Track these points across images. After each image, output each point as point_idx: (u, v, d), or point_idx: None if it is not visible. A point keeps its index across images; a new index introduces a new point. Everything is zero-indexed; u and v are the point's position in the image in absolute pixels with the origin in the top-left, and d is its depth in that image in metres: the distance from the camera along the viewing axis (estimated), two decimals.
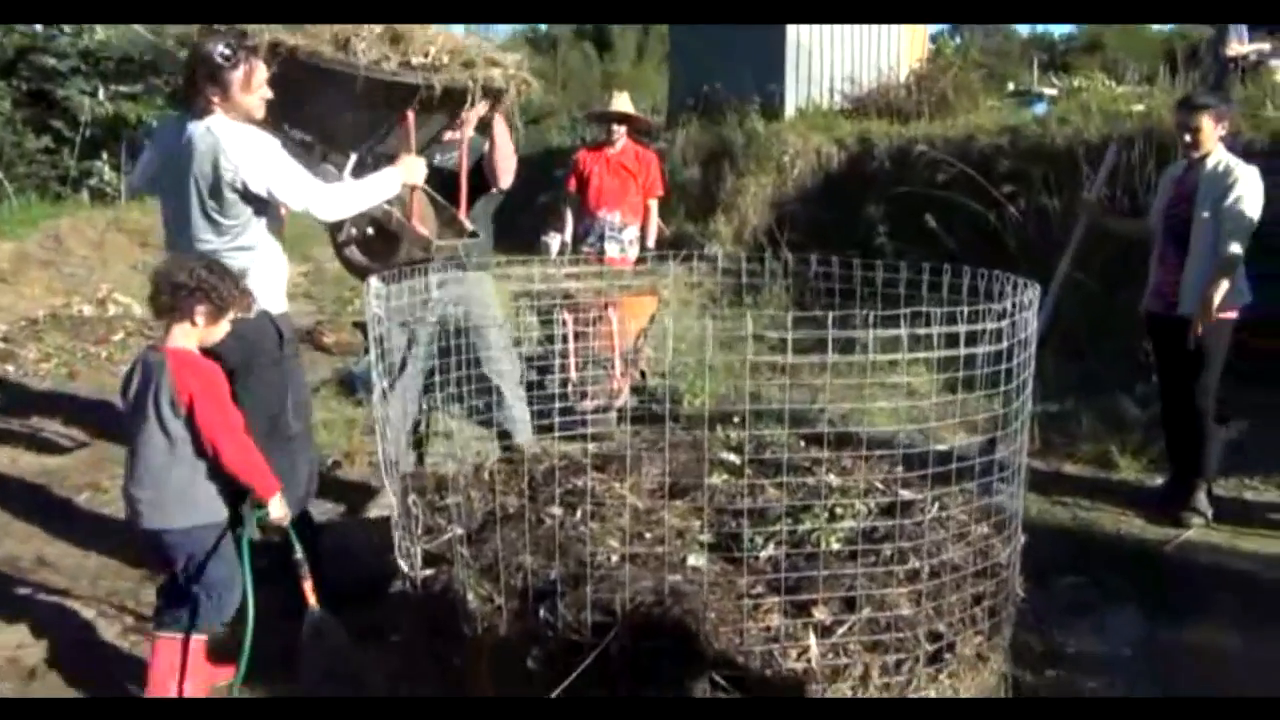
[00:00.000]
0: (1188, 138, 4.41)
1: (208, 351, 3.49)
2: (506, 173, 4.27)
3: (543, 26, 43.68)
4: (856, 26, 11.72)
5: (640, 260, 6.13)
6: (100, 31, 15.05)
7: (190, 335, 3.05)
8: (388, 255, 3.91)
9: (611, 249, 6.08)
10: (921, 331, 2.78)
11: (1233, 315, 4.32)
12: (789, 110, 11.47)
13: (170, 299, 3.01)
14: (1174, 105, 5.02)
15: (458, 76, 3.61)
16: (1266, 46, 8.59)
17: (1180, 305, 4.38)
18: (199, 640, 3.11)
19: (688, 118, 11.63)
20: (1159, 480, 4.88)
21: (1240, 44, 8.52)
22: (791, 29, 11.41)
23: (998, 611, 2.87)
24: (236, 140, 3.30)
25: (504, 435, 4.29)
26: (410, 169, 3.70)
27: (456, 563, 2.83)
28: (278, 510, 3.11)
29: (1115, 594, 3.83)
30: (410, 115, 3.67)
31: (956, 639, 2.73)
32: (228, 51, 3.27)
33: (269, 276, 3.51)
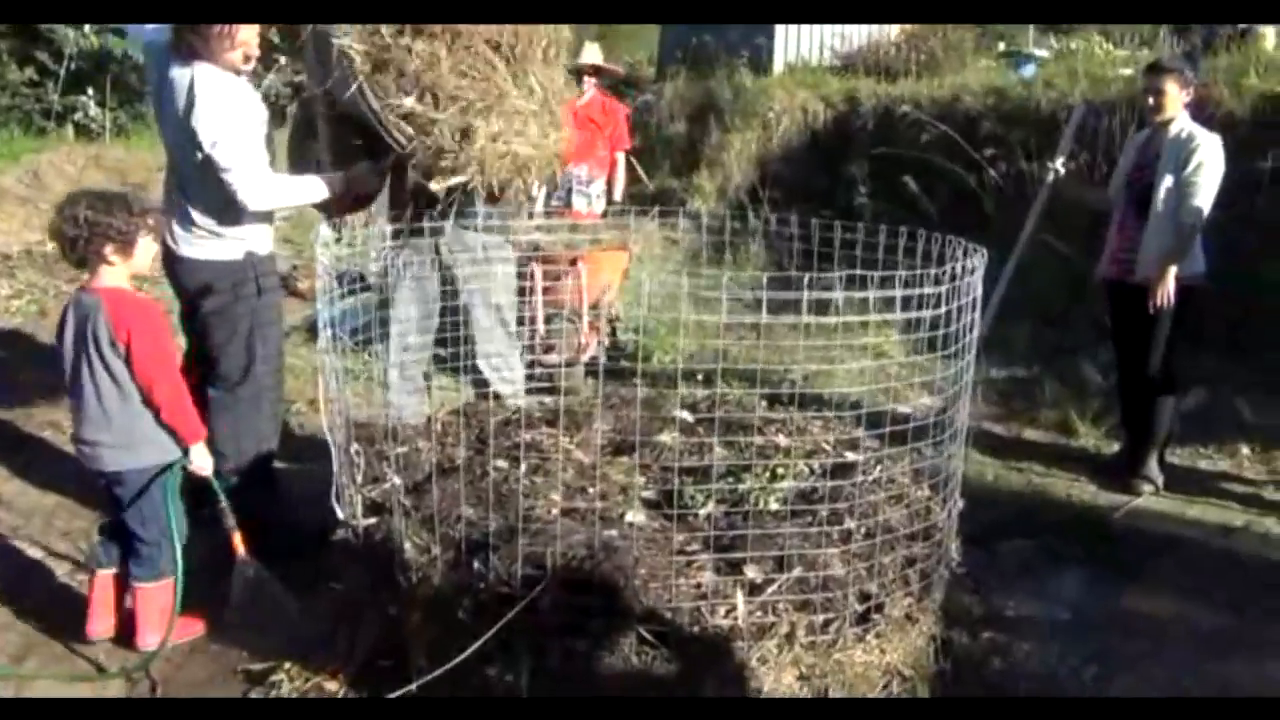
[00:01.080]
0: (1151, 101, 4.41)
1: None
2: None
3: None
4: None
5: (604, 215, 6.12)
6: None
7: (115, 273, 3.03)
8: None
9: (579, 202, 6.06)
10: (858, 295, 2.80)
11: (1188, 283, 4.33)
12: (777, 65, 11.36)
13: (74, 252, 3.00)
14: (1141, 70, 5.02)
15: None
16: None
17: (1138, 271, 4.39)
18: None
19: (676, 70, 11.52)
20: (1116, 447, 4.92)
21: None
22: None
23: (929, 574, 2.91)
24: (207, 88, 3.33)
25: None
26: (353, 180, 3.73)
27: (395, 512, 2.86)
28: (200, 458, 3.12)
29: (1059, 558, 3.88)
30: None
31: (886, 600, 2.77)
32: None
33: (250, 216, 3.55)
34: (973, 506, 3.36)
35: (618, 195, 6.34)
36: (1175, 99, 4.37)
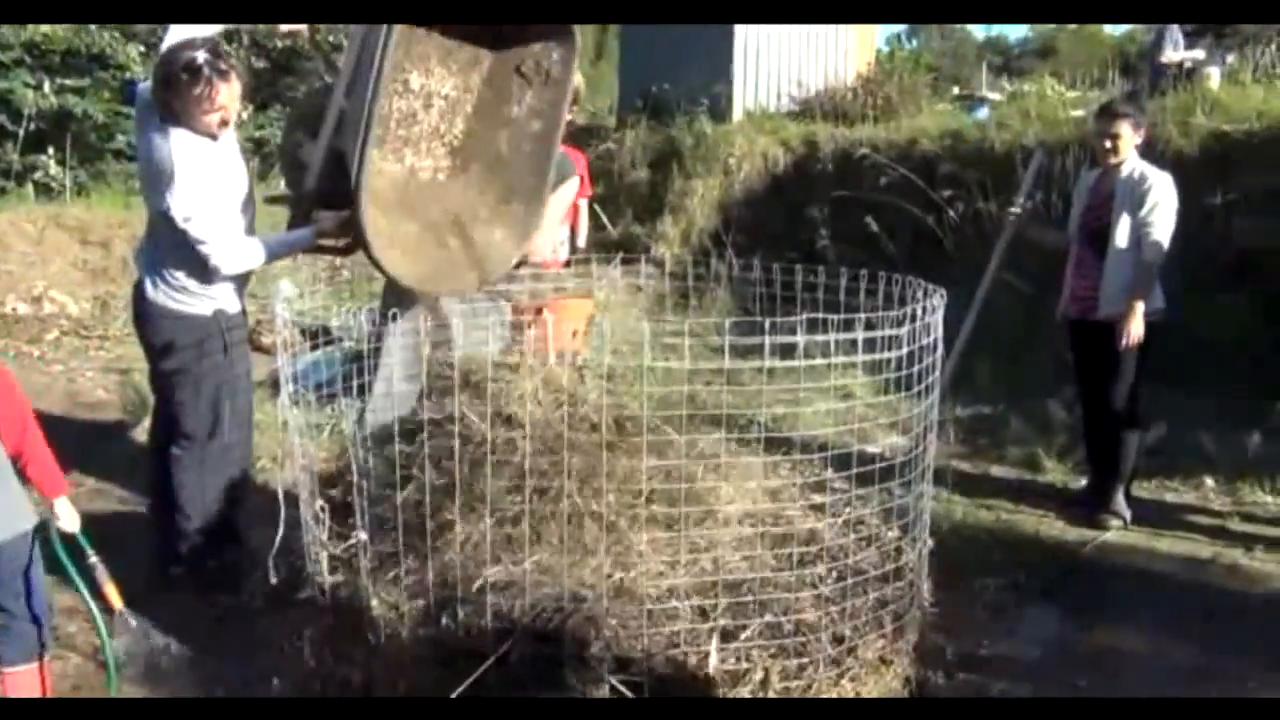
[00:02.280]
0: (1107, 144, 4.47)
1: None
2: None
3: None
4: (804, 29, 11.77)
5: (567, 264, 6.13)
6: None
7: None
8: None
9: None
10: (821, 338, 2.82)
11: (1150, 319, 4.38)
12: (737, 112, 11.48)
13: None
14: (1093, 113, 5.11)
15: None
16: (1201, 54, 8.74)
17: (1100, 309, 4.45)
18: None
19: (636, 119, 11.63)
20: (1083, 482, 4.95)
21: (1175, 51, 8.66)
22: (739, 31, 11.44)
23: (902, 615, 2.91)
24: (184, 159, 3.33)
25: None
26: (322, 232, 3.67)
27: (362, 569, 2.83)
28: (65, 513, 2.87)
29: (1030, 596, 3.88)
30: None
31: (859, 642, 2.77)
32: (190, 66, 3.29)
33: (224, 276, 3.55)
34: (943, 545, 3.36)
35: (581, 242, 6.36)
36: (1129, 141, 4.45)
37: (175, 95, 3.31)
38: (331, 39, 17.02)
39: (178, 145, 3.33)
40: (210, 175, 3.39)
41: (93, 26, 15.27)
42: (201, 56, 3.29)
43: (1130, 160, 4.48)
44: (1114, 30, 36.05)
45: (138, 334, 3.68)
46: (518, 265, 5.76)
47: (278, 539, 2.90)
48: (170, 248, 3.49)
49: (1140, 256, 4.35)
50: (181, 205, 3.32)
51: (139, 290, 3.60)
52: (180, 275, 3.52)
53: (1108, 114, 4.56)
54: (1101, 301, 4.45)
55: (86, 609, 2.90)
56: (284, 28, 4.06)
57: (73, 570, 2.85)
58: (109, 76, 15.07)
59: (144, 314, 3.61)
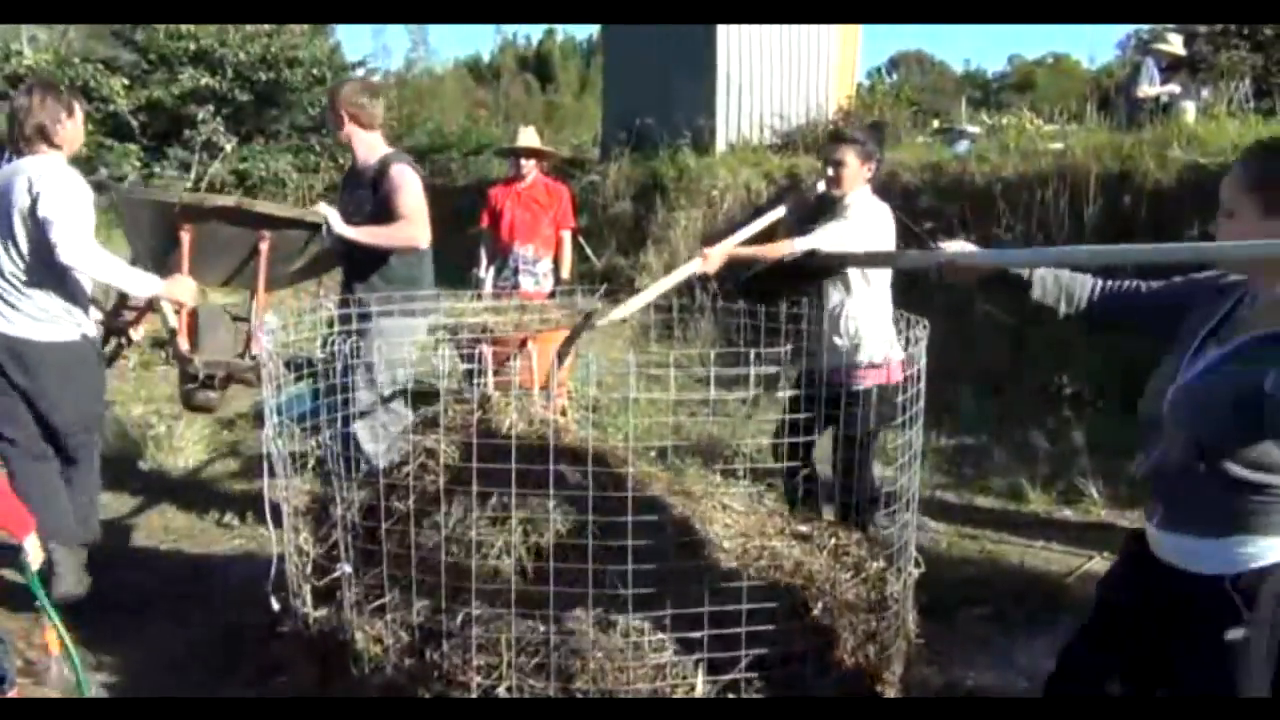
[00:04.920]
0: (830, 172, 4.00)
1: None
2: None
3: (485, 57, 43.88)
4: (785, 62, 11.91)
5: (551, 295, 6.16)
6: (30, 56, 14.88)
7: None
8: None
9: (526, 282, 6.13)
10: (803, 368, 2.83)
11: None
12: (719, 145, 11.59)
13: None
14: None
15: None
16: (1177, 88, 8.86)
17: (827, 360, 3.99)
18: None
19: (620, 151, 11.71)
20: (1067, 512, 4.97)
21: (1152, 85, 8.77)
22: (721, 64, 11.57)
23: (888, 646, 2.90)
24: (45, 174, 3.55)
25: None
26: (173, 287, 3.84)
27: (346, 602, 2.80)
28: (33, 550, 2.86)
29: (1016, 626, 3.88)
30: (187, 236, 4.08)
31: (846, 674, 2.76)
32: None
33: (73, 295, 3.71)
34: (928, 575, 3.36)
35: (565, 274, 6.40)
36: (855, 173, 3.95)
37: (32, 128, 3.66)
38: (316, 72, 17.12)
39: (34, 166, 3.58)
40: (70, 186, 3.61)
41: (76, 60, 15.33)
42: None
43: (856, 195, 3.98)
44: (1090, 65, 36.61)
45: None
46: (500, 295, 5.80)
47: (272, 571, 2.88)
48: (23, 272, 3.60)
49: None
50: (46, 205, 3.51)
51: None
52: (41, 296, 3.64)
53: (834, 140, 4.16)
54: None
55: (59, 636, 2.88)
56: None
57: (45, 601, 2.86)
58: (93, 109, 15.09)
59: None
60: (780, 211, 4.34)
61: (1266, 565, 2.00)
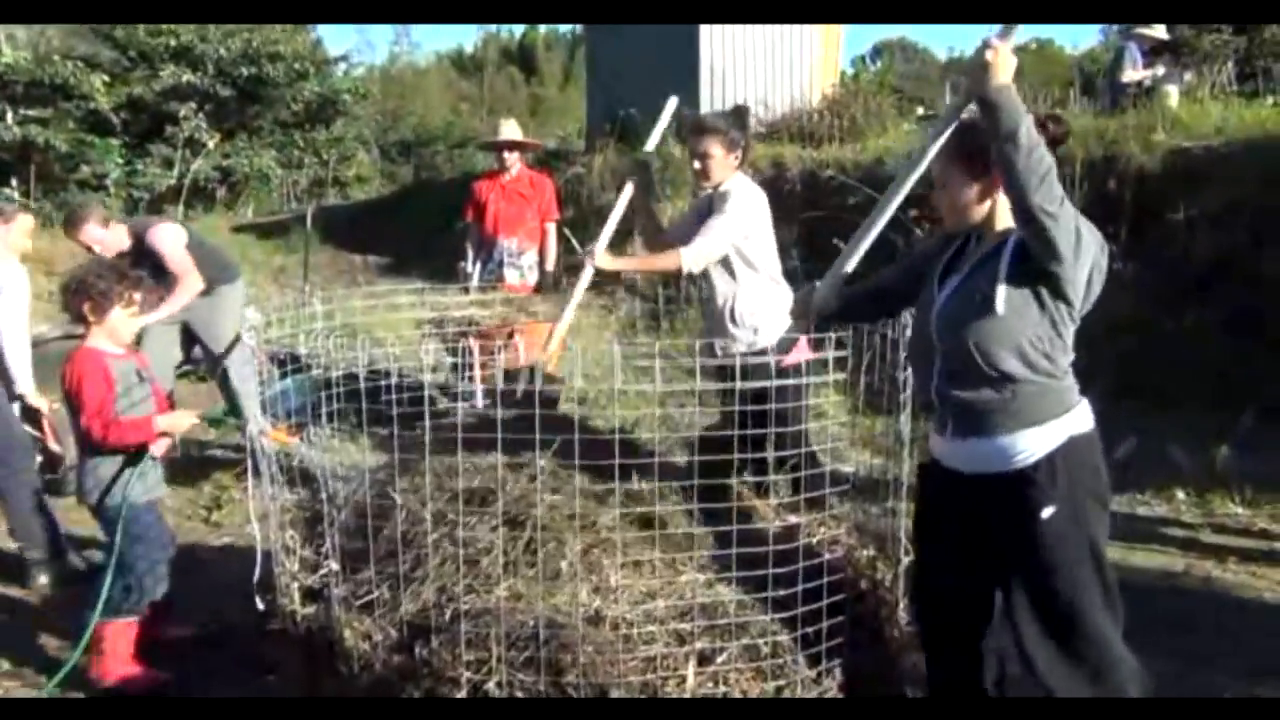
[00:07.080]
0: (697, 165, 3.82)
1: None
2: None
3: (468, 49, 43.73)
4: (769, 50, 11.88)
5: (537, 288, 6.15)
6: (8, 54, 14.74)
7: (95, 334, 3.39)
8: None
9: (511, 275, 6.11)
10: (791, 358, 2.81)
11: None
12: None
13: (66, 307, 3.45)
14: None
15: None
16: (1160, 71, 8.86)
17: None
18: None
19: (605, 142, 11.67)
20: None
21: (1135, 69, 8.77)
22: (704, 54, 11.54)
23: (878, 633, 2.90)
24: None
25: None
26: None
27: (333, 599, 2.79)
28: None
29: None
30: None
31: (837, 663, 2.75)
32: None
33: None
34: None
35: (550, 266, 6.38)
36: (722, 164, 3.78)
37: None
38: (298, 67, 17.03)
39: None
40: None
41: (56, 57, 15.21)
42: None
43: (731, 183, 3.80)
44: (1073, 50, 36.65)
45: None
46: (485, 288, 5.78)
47: (257, 570, 2.87)
48: None
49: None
50: None
51: None
52: None
53: (696, 131, 3.83)
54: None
55: None
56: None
57: None
58: (73, 107, 14.99)
59: None
60: (629, 191, 4.11)
61: (1055, 448, 2.40)
